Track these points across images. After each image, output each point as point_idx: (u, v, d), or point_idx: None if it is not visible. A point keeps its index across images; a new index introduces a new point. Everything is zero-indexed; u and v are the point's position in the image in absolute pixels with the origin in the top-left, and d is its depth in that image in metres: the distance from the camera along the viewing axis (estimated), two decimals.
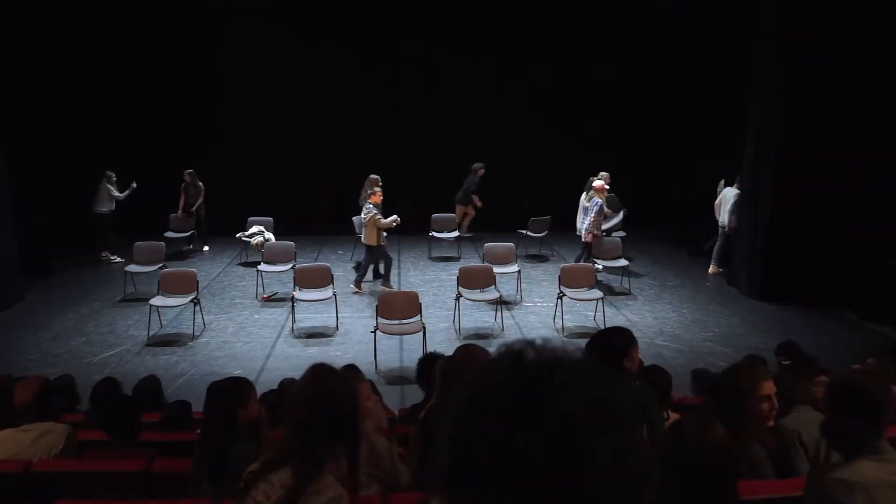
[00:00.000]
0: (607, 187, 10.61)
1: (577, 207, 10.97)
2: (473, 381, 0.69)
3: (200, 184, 12.37)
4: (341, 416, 2.24)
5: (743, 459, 2.73)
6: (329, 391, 2.26)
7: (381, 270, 10.18)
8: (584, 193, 10.83)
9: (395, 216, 9.73)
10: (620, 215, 11.42)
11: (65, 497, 3.19)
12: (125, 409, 3.87)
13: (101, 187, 11.68)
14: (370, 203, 9.77)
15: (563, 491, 0.63)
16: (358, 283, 10.03)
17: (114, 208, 11.77)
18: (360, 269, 10.19)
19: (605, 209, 10.48)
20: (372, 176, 10.92)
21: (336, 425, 2.23)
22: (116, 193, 11.70)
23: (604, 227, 10.57)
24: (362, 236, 9.90)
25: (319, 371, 2.35)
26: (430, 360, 5.02)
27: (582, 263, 9.99)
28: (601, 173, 10.74)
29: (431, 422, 3.32)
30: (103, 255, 11.87)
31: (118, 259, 11.76)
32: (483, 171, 12.29)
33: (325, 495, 2.13)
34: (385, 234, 9.82)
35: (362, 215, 9.92)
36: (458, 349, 3.40)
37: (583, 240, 10.43)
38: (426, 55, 13.16)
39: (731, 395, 2.81)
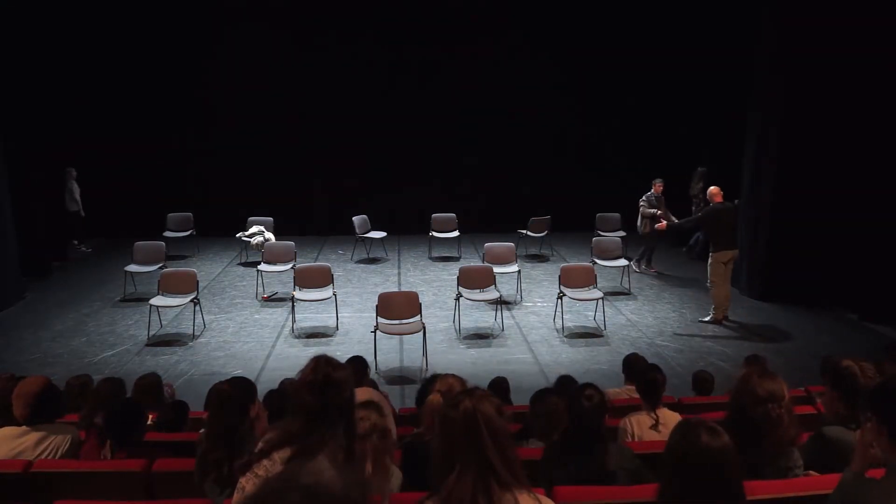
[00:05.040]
0: None
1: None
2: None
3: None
4: (340, 403, 2.36)
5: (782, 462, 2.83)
6: (331, 378, 2.38)
7: (642, 255, 11.36)
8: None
9: (653, 210, 10.81)
10: None
11: (65, 497, 3.19)
12: (128, 416, 3.82)
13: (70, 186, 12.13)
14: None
15: None
16: (642, 264, 11.36)
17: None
18: (643, 254, 11.36)
19: None
20: (699, 169, 12.04)
21: (335, 411, 2.33)
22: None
23: None
24: (639, 225, 11.00)
25: (322, 360, 2.45)
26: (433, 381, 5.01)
27: None
28: None
29: (416, 446, 3.47)
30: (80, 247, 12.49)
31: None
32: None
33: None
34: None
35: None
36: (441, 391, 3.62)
37: None
38: (426, 56, 13.14)
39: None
